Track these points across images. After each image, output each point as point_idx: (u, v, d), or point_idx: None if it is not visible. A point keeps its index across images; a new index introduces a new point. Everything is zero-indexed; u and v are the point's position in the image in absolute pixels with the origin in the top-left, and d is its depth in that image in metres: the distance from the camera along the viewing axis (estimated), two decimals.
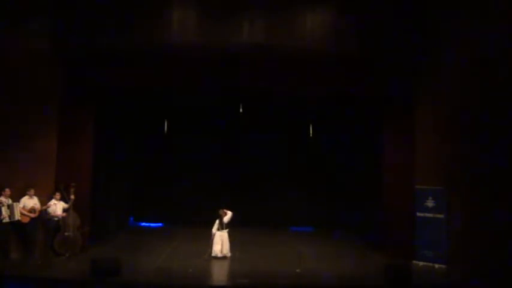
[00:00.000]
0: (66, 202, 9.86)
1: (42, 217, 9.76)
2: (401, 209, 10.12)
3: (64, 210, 9.86)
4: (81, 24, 9.72)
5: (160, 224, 14.25)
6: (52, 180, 10.02)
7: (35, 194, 9.69)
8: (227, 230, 10.06)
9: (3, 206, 9.09)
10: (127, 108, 12.77)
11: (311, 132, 13.94)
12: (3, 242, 9.14)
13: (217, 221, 10.06)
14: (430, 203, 9.74)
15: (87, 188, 10.45)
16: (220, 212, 10.15)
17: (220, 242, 9.91)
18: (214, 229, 10.02)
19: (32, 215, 9.56)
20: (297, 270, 8.78)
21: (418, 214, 9.87)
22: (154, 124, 14.02)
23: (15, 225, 9.34)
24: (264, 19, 9.74)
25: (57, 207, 9.83)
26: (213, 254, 9.82)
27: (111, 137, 11.90)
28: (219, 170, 14.28)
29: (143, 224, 14.28)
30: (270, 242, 11.76)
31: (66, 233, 9.76)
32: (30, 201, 9.60)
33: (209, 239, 9.98)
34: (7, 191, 9.32)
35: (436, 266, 9.47)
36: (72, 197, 9.79)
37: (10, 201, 9.31)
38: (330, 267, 9.44)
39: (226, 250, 9.98)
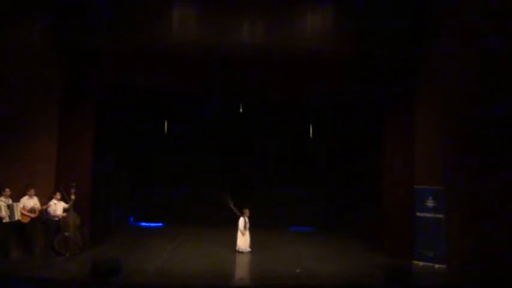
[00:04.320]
0: (66, 202, 9.87)
1: (42, 217, 9.77)
2: (401, 209, 10.12)
3: (64, 210, 9.86)
4: (81, 24, 9.72)
5: (160, 224, 14.25)
6: (52, 180, 10.04)
7: (35, 194, 9.69)
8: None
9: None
10: (127, 108, 12.77)
11: (311, 132, 13.93)
12: (3, 242, 9.14)
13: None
14: (430, 203, 9.74)
15: (87, 188, 10.44)
16: (244, 210, 10.83)
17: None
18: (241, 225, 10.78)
19: (32, 215, 9.57)
20: (297, 270, 8.78)
21: (418, 214, 9.87)
22: (155, 124, 14.01)
23: (15, 225, 9.34)
24: (264, 19, 9.74)
25: (57, 207, 9.83)
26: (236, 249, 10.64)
27: (111, 137, 11.89)
28: (219, 170, 14.27)
29: (143, 224, 14.27)
30: (270, 242, 11.75)
31: (66, 233, 9.77)
32: (30, 201, 9.60)
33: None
34: (7, 191, 9.32)
35: (436, 266, 9.47)
36: (72, 197, 9.80)
37: (10, 201, 9.31)
38: (330, 267, 9.43)
39: (245, 246, 10.70)
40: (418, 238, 9.82)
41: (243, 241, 10.67)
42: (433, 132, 9.91)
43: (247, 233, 10.72)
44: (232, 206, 10.89)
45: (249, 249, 10.66)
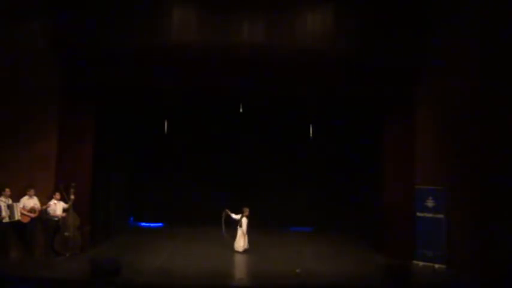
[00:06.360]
0: (66, 202, 9.87)
1: (42, 217, 9.77)
2: (401, 209, 10.12)
3: (64, 210, 9.87)
4: (81, 24, 9.72)
5: (160, 224, 14.25)
6: (52, 180, 10.04)
7: (35, 194, 9.70)
8: (241, 228, 10.73)
9: None
10: (127, 108, 12.77)
11: (311, 132, 13.93)
12: (3, 242, 9.15)
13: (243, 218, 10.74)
14: (430, 203, 9.75)
15: (87, 188, 10.44)
16: (244, 210, 10.76)
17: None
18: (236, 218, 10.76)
19: (32, 215, 9.57)
20: (297, 270, 8.79)
21: (418, 214, 9.87)
22: (155, 124, 14.01)
23: (15, 225, 9.34)
24: (264, 19, 9.74)
25: (57, 207, 9.84)
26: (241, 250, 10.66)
27: (111, 137, 11.89)
28: (219, 170, 14.26)
29: (143, 224, 14.28)
30: (270, 242, 11.76)
31: (66, 233, 9.77)
32: (30, 201, 9.61)
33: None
34: (7, 191, 9.33)
35: (436, 266, 9.47)
36: (72, 197, 9.80)
37: (10, 201, 9.31)
38: (330, 267, 9.44)
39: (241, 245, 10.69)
40: (418, 238, 9.83)
41: (243, 241, 10.64)
42: (433, 133, 9.91)
43: (242, 233, 10.69)
44: (227, 213, 10.75)
45: (246, 248, 10.66)
